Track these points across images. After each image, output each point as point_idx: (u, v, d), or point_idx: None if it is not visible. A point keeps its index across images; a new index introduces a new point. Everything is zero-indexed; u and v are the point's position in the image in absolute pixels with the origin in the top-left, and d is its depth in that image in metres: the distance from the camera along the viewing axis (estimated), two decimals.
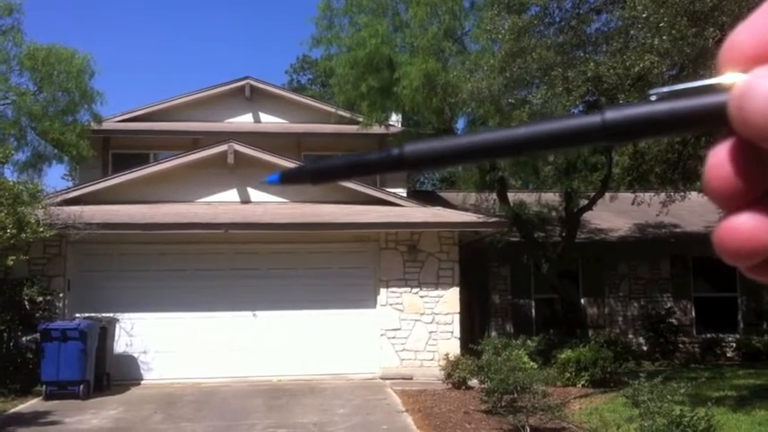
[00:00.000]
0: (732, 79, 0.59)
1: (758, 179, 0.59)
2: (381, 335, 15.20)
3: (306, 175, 0.73)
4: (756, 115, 0.56)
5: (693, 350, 18.63)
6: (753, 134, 0.57)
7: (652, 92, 0.63)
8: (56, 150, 17.16)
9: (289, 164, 16.34)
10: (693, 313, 19.28)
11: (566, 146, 0.65)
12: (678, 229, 19.79)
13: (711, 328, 18.93)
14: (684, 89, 0.62)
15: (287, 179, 0.75)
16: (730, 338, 18.77)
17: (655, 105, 0.62)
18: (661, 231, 19.60)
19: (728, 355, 18.41)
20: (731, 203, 0.60)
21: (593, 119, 0.62)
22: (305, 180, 0.74)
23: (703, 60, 11.10)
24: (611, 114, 0.62)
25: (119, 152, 19.72)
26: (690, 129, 0.64)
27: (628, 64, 10.73)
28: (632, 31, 11.42)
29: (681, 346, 18.60)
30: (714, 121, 0.60)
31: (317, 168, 0.73)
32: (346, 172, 0.72)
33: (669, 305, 19.13)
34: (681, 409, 7.66)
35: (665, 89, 0.63)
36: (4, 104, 16.65)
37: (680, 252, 19.04)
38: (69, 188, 17.78)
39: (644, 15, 10.54)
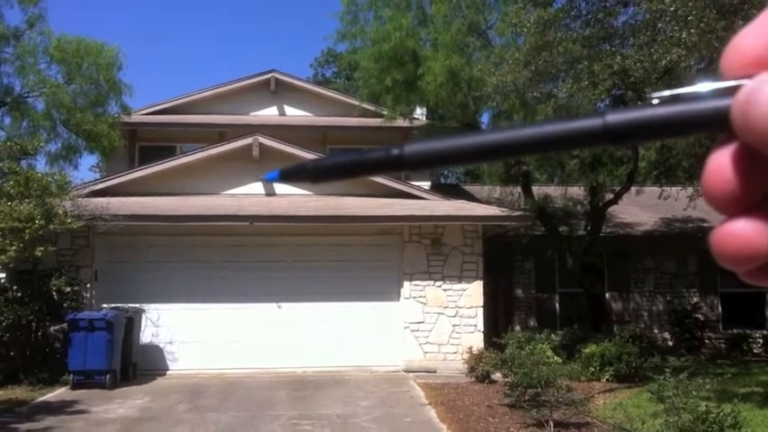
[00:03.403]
0: (735, 84, 0.59)
1: (758, 184, 0.59)
2: (405, 328, 15.22)
3: (306, 172, 0.74)
4: (760, 121, 0.56)
5: (720, 346, 18.46)
6: (755, 140, 0.57)
7: (654, 95, 0.63)
8: (87, 142, 17.30)
9: (313, 156, 16.39)
10: (720, 309, 19.10)
11: (567, 147, 0.65)
12: (705, 224, 19.57)
13: (738, 324, 18.74)
14: (687, 93, 0.62)
15: (287, 176, 0.75)
16: (757, 334, 18.58)
17: (656, 108, 0.62)
18: (688, 226, 19.41)
19: (755, 351, 18.22)
20: (730, 208, 0.60)
21: (595, 121, 0.63)
22: (305, 178, 0.74)
23: None
24: (613, 117, 0.62)
25: (146, 145, 19.89)
26: (691, 132, 0.64)
27: (655, 57, 10.64)
28: (660, 24, 11.31)
29: (707, 341, 18.44)
30: (716, 126, 0.60)
31: (317, 166, 0.74)
32: (346, 171, 0.72)
33: (695, 300, 18.96)
34: (707, 405, 7.60)
35: (667, 92, 0.63)
36: (35, 96, 16.83)
37: (707, 247, 18.56)
38: (97, 180, 17.97)
39: (672, 8, 10.44)
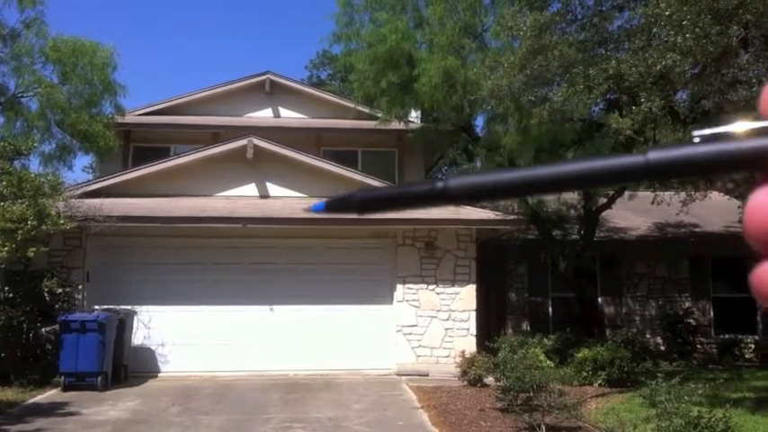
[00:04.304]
0: None
1: None
2: (397, 331, 15.20)
3: (352, 204, 0.75)
4: None
5: (711, 351, 18.50)
6: None
7: (695, 133, 0.64)
8: (81, 142, 17.24)
9: (308, 159, 16.41)
10: (712, 314, 19.13)
11: (609, 183, 0.67)
12: (698, 229, 19.64)
13: (730, 329, 18.77)
14: (726, 132, 0.62)
15: (333, 208, 0.76)
16: (749, 340, 18.61)
17: (698, 147, 0.62)
18: (680, 231, 19.46)
19: (747, 356, 18.25)
20: None
21: (637, 159, 0.63)
22: (351, 210, 0.75)
23: (726, 59, 11.00)
24: (654, 155, 0.63)
25: (139, 145, 19.84)
26: (731, 171, 0.65)
27: (650, 62, 10.65)
28: (655, 29, 11.34)
29: (699, 346, 18.46)
30: (756, 165, 0.60)
31: (364, 199, 0.75)
32: (391, 203, 0.74)
33: (687, 305, 18.99)
34: (698, 410, 7.61)
35: (708, 131, 0.63)
36: (29, 96, 16.77)
37: (699, 252, 18.90)
38: (90, 181, 17.91)
39: (667, 13, 10.46)
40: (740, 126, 0.62)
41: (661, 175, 0.63)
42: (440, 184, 0.69)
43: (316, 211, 0.77)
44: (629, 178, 0.65)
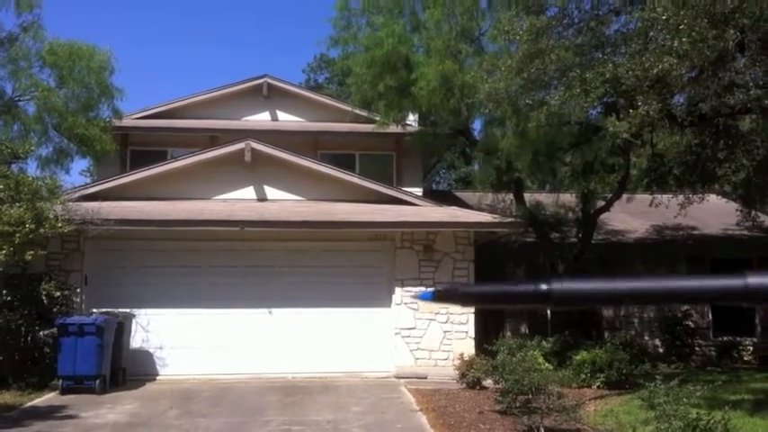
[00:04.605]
0: None
1: None
2: (396, 334, 15.21)
3: (457, 297, 0.80)
4: None
5: (710, 353, 18.52)
6: None
7: None
8: (78, 146, 17.23)
9: (305, 162, 16.42)
10: (710, 316, 19.15)
11: (706, 301, 0.70)
12: (696, 232, 19.68)
13: (728, 332, 18.79)
14: None
15: (440, 298, 0.82)
16: (747, 342, 18.64)
17: None
18: (678, 233, 19.49)
19: (745, 358, 18.28)
20: None
21: (737, 282, 0.66)
22: (456, 301, 0.80)
23: (723, 63, 11.02)
24: (754, 280, 0.66)
25: (137, 149, 19.83)
26: None
27: (646, 66, 10.67)
28: (651, 33, 11.35)
29: (697, 349, 18.48)
30: None
31: (468, 292, 0.80)
32: (494, 299, 0.78)
33: (686, 308, 19.01)
34: (697, 412, 7.62)
35: None
36: (26, 100, 16.77)
37: (697, 254, 18.92)
38: (88, 184, 17.90)
39: (663, 17, 10.48)
40: None
41: (758, 300, 0.65)
42: (543, 286, 0.71)
43: (424, 300, 0.83)
44: (728, 299, 0.67)
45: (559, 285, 0.70)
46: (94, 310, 13.83)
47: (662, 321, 18.64)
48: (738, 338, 18.61)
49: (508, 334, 17.39)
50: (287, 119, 21.46)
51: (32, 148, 15.05)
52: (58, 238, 13.80)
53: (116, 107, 17.45)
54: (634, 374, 13.52)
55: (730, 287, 0.64)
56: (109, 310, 13.75)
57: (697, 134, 13.67)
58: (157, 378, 14.53)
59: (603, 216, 18.27)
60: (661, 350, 18.31)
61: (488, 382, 13.24)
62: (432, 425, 10.54)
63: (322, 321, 15.16)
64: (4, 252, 11.65)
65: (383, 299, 15.40)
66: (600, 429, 10.04)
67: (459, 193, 24.34)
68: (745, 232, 19.11)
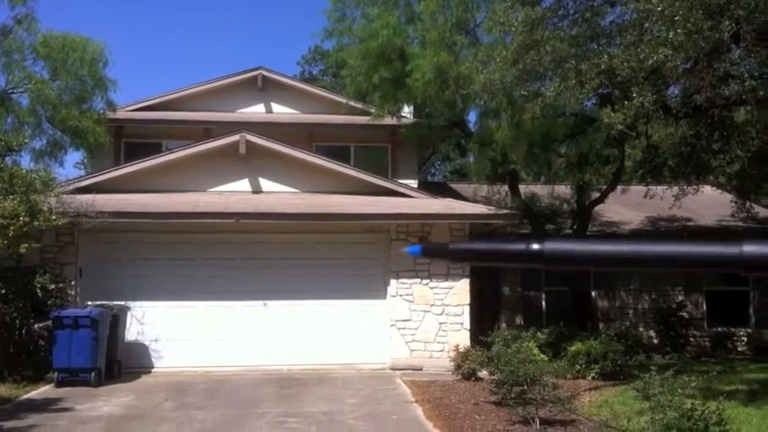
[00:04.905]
0: None
1: None
2: (391, 325, 15.22)
3: (446, 252, 0.79)
4: None
5: (704, 344, 18.58)
6: None
7: None
8: (72, 138, 17.18)
9: (300, 154, 16.40)
10: (705, 307, 19.21)
11: (703, 268, 0.69)
12: (691, 223, 19.72)
13: (723, 322, 18.86)
14: None
15: (428, 253, 0.81)
16: (741, 332, 18.71)
17: None
18: (673, 225, 19.53)
19: (740, 349, 18.35)
20: None
21: (732, 249, 0.65)
22: (445, 256, 0.79)
23: (718, 54, 11.02)
24: (749, 248, 0.65)
25: (131, 141, 19.79)
26: None
27: (641, 57, 10.66)
28: (647, 24, 11.34)
29: (692, 339, 18.55)
30: None
31: (458, 248, 0.79)
32: (484, 256, 0.77)
33: (680, 299, 19.07)
34: (692, 403, 7.64)
35: None
36: (19, 92, 16.70)
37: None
38: (82, 177, 17.85)
39: (659, 8, 10.47)
40: None
41: (754, 269, 0.65)
42: (535, 246, 0.71)
43: (412, 254, 0.82)
44: (722, 266, 0.66)
45: (551, 245, 0.70)
46: (89, 303, 13.81)
47: (656, 312, 18.70)
48: (732, 329, 18.68)
49: (503, 325, 17.42)
50: (282, 111, 21.42)
51: (26, 140, 15.00)
52: (53, 230, 13.77)
53: (110, 99, 17.41)
54: (629, 365, 13.56)
55: (725, 254, 0.63)
56: (104, 302, 13.74)
57: (692, 125, 13.69)
58: (153, 371, 14.52)
59: (598, 208, 18.29)
60: (656, 341, 18.37)
61: (483, 374, 13.27)
62: (427, 416, 10.56)
63: (317, 313, 15.17)
64: None
65: (378, 291, 15.40)
66: (595, 420, 10.07)
67: (454, 185, 24.33)
68: (740, 223, 19.16)
